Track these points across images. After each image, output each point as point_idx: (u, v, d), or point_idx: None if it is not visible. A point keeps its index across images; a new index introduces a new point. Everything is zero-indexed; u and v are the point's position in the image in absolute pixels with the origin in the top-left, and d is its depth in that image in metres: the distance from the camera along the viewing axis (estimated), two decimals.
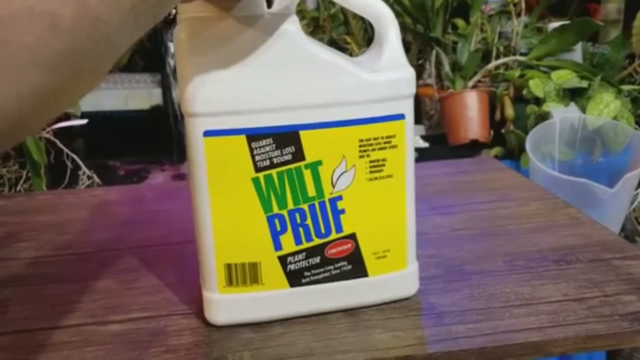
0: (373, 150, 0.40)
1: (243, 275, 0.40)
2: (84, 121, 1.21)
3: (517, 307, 0.43)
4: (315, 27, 2.03)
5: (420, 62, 1.70)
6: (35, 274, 0.52)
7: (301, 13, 2.04)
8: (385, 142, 0.40)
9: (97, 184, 1.13)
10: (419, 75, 1.78)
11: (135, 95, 2.34)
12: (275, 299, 0.41)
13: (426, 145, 1.46)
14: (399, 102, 0.40)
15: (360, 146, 0.40)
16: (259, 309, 0.41)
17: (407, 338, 0.40)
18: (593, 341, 0.39)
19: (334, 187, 0.40)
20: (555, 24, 1.39)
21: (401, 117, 0.41)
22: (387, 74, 0.40)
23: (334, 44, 1.95)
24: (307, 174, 0.40)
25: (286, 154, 0.39)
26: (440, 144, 1.45)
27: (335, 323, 0.42)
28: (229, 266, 0.40)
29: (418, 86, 1.77)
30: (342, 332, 0.41)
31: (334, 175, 0.40)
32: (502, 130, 1.32)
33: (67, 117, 1.29)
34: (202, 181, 0.39)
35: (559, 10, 2.18)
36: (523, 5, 1.58)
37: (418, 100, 1.70)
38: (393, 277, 0.43)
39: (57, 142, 1.14)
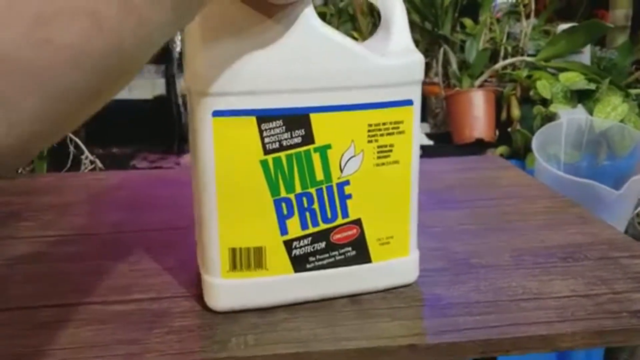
0: (381, 135, 0.40)
1: (247, 260, 0.40)
2: None
3: (525, 300, 0.42)
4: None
5: (427, 60, 1.69)
6: (37, 253, 0.51)
7: None
8: (393, 128, 0.40)
9: (100, 169, 1.13)
10: (425, 73, 1.77)
11: (139, 84, 2.33)
12: (279, 284, 0.41)
13: (431, 143, 1.45)
14: (408, 87, 0.40)
15: (369, 131, 0.40)
16: (262, 295, 0.41)
17: (413, 327, 0.39)
18: (602, 337, 0.38)
19: (342, 171, 0.40)
20: (564, 26, 1.39)
21: (409, 102, 0.40)
22: (397, 59, 0.40)
23: None
24: (316, 158, 0.39)
25: (296, 137, 0.38)
26: (445, 142, 1.45)
27: (340, 310, 0.41)
28: (233, 250, 0.40)
29: (424, 84, 1.77)
30: (347, 319, 0.40)
31: (343, 160, 0.40)
32: (509, 129, 1.31)
33: None
34: (208, 163, 0.38)
35: (567, 15, 2.18)
36: (533, 7, 1.58)
37: (424, 98, 1.69)
38: (395, 264, 0.43)
39: None
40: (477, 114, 1.34)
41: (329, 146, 0.39)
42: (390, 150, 0.41)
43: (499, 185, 0.69)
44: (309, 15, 0.37)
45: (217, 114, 0.37)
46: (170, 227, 0.56)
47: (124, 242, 0.53)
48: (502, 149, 1.28)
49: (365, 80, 0.39)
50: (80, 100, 0.23)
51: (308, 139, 0.39)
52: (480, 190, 0.67)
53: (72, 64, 0.21)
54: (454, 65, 1.49)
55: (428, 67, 1.71)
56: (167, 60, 1.78)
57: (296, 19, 0.37)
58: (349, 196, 0.41)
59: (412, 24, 1.74)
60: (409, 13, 1.75)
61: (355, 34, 1.83)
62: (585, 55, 1.36)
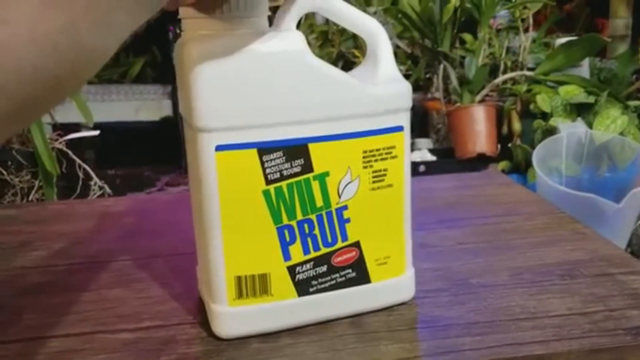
0: (375, 160, 0.42)
1: (253, 286, 0.41)
2: (96, 132, 1.23)
3: (522, 320, 0.43)
4: (324, 41, 2.05)
5: (427, 76, 1.71)
6: (48, 282, 0.53)
7: (310, 27, 2.06)
8: (386, 153, 0.42)
9: (108, 194, 1.15)
10: (426, 89, 1.79)
11: (146, 106, 2.37)
12: (283, 309, 0.42)
13: (433, 158, 1.46)
14: (398, 114, 0.42)
15: (364, 157, 0.42)
16: (267, 320, 0.42)
17: (413, 350, 0.40)
18: (597, 355, 0.39)
19: (340, 197, 0.42)
20: (562, 40, 1.40)
21: (400, 128, 0.42)
22: (386, 88, 0.42)
23: (342, 57, 1.97)
24: (315, 185, 0.41)
25: (296, 166, 0.40)
26: (447, 157, 1.46)
27: (341, 334, 0.42)
28: (239, 278, 0.41)
29: (426, 100, 1.78)
30: (348, 343, 0.41)
31: (340, 186, 0.41)
32: (509, 145, 1.32)
33: (78, 128, 1.31)
34: (212, 196, 0.39)
35: (567, 26, 2.19)
36: (531, 21, 1.59)
37: (425, 114, 1.71)
38: (393, 283, 0.45)
39: (69, 152, 1.16)
40: (479, 129, 1.35)
41: (327, 174, 0.41)
42: (385, 175, 0.43)
43: (499, 202, 0.70)
44: (302, 49, 0.39)
45: (220, 148, 0.38)
46: (176, 253, 0.58)
47: (131, 270, 0.54)
48: (503, 163, 1.29)
49: (358, 109, 0.41)
50: (42, 81, 0.23)
51: (307, 167, 0.40)
52: (480, 207, 0.68)
53: (30, 41, 0.22)
54: (454, 81, 1.50)
55: (429, 83, 1.73)
56: (173, 81, 1.81)
57: (286, 51, 0.39)
58: (348, 220, 0.42)
59: (411, 41, 1.76)
60: (408, 30, 1.77)
61: (357, 52, 1.86)
62: (585, 68, 1.37)
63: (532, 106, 1.28)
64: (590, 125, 1.15)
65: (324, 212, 0.41)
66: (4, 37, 0.22)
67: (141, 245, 0.60)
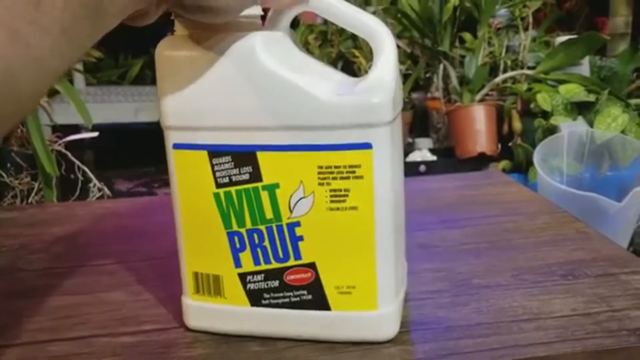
0: (334, 179, 0.38)
1: (208, 285, 0.42)
2: (95, 134, 1.22)
3: (525, 321, 0.43)
4: (323, 41, 2.04)
5: (427, 75, 1.70)
6: (47, 285, 0.52)
7: (310, 27, 2.06)
8: (348, 172, 0.38)
9: (108, 196, 1.14)
10: (426, 89, 1.79)
11: (145, 107, 2.36)
12: (237, 315, 0.42)
13: (433, 158, 1.46)
14: (365, 130, 0.37)
15: (319, 173, 0.38)
16: (223, 321, 0.42)
17: (415, 352, 0.40)
18: (601, 356, 0.39)
19: (291, 212, 0.39)
20: (562, 38, 1.40)
21: (367, 146, 0.37)
22: (353, 99, 0.37)
23: (342, 57, 1.96)
24: (265, 196, 0.39)
25: (244, 173, 0.39)
26: (447, 157, 1.46)
27: None
28: (196, 274, 0.42)
29: (426, 99, 1.78)
30: (348, 346, 0.41)
31: (292, 200, 0.39)
32: (510, 144, 1.32)
33: (77, 129, 1.30)
34: (174, 191, 0.41)
35: (567, 24, 2.19)
36: (531, 20, 1.59)
37: (426, 114, 1.70)
38: (360, 316, 0.40)
39: (69, 154, 1.16)
40: (479, 128, 1.35)
41: (277, 185, 0.39)
42: (346, 195, 0.38)
43: (500, 201, 0.70)
44: (257, 49, 0.37)
45: (176, 146, 0.40)
46: (175, 255, 0.57)
47: (131, 272, 0.54)
48: (504, 163, 1.29)
49: (312, 120, 0.37)
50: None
51: (256, 176, 0.39)
52: (482, 207, 0.68)
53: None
54: (454, 81, 1.50)
55: (429, 82, 1.73)
56: None
57: (244, 54, 0.37)
58: (301, 238, 0.39)
59: (411, 40, 1.76)
60: (408, 30, 1.77)
61: (357, 52, 1.86)
62: (585, 67, 1.37)
63: (532, 105, 1.28)
64: (591, 124, 1.14)
65: (274, 225, 0.39)
66: None
67: (141, 247, 0.60)
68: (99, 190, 1.13)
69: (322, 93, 0.37)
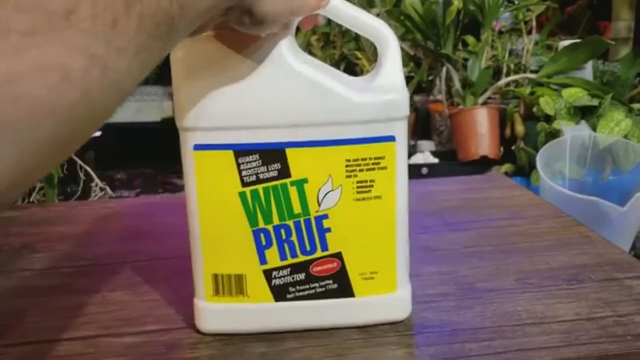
0: (361, 170, 0.40)
1: (229, 286, 0.42)
2: (97, 133, 1.22)
3: (529, 325, 0.43)
4: (326, 43, 2.04)
5: (430, 78, 1.71)
6: (50, 285, 0.52)
7: (312, 29, 2.06)
8: (373, 164, 0.40)
9: (110, 196, 1.14)
10: (429, 91, 1.79)
11: (147, 107, 2.36)
12: (260, 312, 0.42)
13: (436, 161, 1.46)
14: (388, 124, 0.40)
15: (347, 166, 0.40)
16: (244, 321, 0.42)
17: (421, 355, 0.40)
18: None
19: (319, 205, 0.40)
20: (565, 42, 1.40)
21: (391, 138, 0.40)
22: (376, 96, 0.40)
23: (344, 59, 1.96)
24: (293, 191, 0.40)
25: (272, 171, 0.40)
26: (450, 160, 1.46)
27: (348, 338, 0.42)
28: (215, 276, 0.42)
29: (428, 102, 1.78)
30: (355, 347, 0.41)
31: (320, 194, 0.40)
32: (512, 148, 1.32)
33: None
34: (192, 193, 0.40)
35: (569, 28, 2.19)
36: (534, 23, 1.59)
37: (428, 116, 1.70)
38: (381, 300, 0.43)
39: None
40: (481, 131, 1.35)
41: (305, 180, 0.40)
42: (372, 186, 0.40)
43: (503, 205, 0.70)
44: (284, 51, 0.38)
45: (197, 147, 0.39)
46: (179, 256, 0.57)
47: (134, 272, 0.54)
48: (506, 166, 1.29)
49: (340, 117, 0.39)
50: (54, 148, 0.24)
51: (284, 173, 0.40)
52: (486, 210, 0.68)
53: (45, 115, 0.23)
54: (457, 84, 1.50)
55: (431, 85, 1.73)
56: None
57: (270, 55, 0.38)
58: (328, 230, 0.41)
59: (414, 43, 1.76)
60: (411, 32, 1.77)
61: (359, 54, 1.86)
62: (588, 71, 1.37)
63: (535, 109, 1.28)
64: (594, 128, 1.14)
65: (302, 219, 0.40)
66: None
67: (144, 248, 0.60)
68: (101, 189, 1.13)
69: (347, 92, 0.39)
